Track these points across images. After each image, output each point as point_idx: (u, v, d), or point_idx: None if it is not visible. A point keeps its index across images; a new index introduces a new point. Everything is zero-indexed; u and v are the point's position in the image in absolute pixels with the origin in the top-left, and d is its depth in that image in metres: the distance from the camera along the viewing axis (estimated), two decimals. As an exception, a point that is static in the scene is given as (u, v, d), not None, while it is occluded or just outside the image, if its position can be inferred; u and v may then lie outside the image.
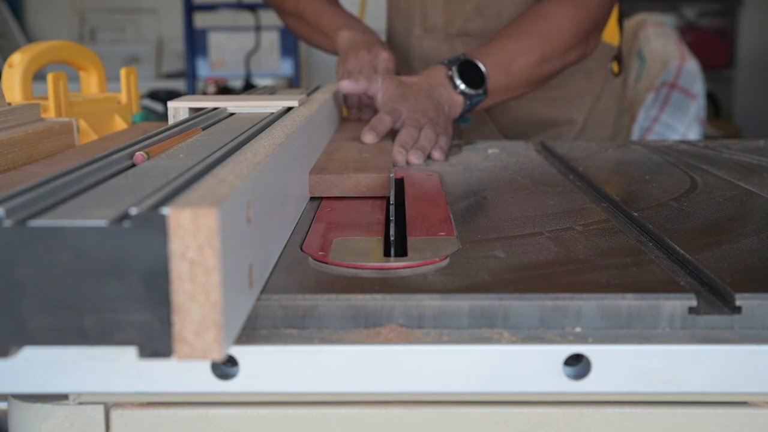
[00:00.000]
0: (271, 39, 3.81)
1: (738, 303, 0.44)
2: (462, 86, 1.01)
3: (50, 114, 0.94)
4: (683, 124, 2.57)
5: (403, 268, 0.50)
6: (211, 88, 3.49)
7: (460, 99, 1.02)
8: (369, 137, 0.88)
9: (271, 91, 0.97)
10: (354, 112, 1.10)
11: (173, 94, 3.31)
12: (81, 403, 0.46)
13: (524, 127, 1.27)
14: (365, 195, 0.69)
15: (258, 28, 3.76)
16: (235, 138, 0.57)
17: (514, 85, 1.08)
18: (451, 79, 1.02)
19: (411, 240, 0.55)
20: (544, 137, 1.23)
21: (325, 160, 0.77)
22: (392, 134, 0.93)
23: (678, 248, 0.54)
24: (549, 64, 1.09)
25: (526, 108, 1.25)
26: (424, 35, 1.29)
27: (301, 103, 0.78)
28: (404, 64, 1.30)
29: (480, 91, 1.03)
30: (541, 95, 1.23)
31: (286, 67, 3.83)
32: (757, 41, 4.33)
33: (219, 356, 0.35)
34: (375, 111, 0.98)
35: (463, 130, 1.21)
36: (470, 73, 1.03)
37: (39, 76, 1.00)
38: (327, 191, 0.69)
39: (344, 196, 0.69)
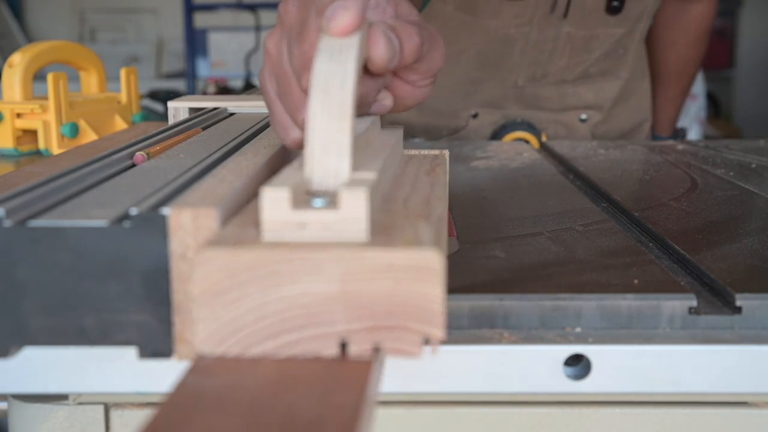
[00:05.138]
0: (271, 39, 3.80)
1: (738, 303, 0.44)
2: None
3: (50, 114, 0.94)
4: (683, 124, 2.57)
5: (403, 268, 0.49)
6: (211, 88, 3.49)
7: None
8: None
9: (271, 91, 0.96)
10: None
11: (173, 94, 3.31)
12: (81, 403, 0.46)
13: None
14: None
15: (258, 28, 3.76)
16: (235, 138, 0.57)
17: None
18: None
19: (411, 240, 0.55)
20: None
21: None
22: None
23: (678, 248, 0.54)
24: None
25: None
26: (528, 84, 1.17)
27: (301, 103, 0.77)
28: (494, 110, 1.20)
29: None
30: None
31: (286, 67, 3.82)
32: (757, 41, 4.33)
33: (219, 356, 0.35)
34: None
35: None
36: None
37: (39, 76, 1.00)
38: None
39: None
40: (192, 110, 0.76)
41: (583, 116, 1.20)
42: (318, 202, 0.34)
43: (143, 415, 0.46)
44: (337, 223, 0.33)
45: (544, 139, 1.17)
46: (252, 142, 0.55)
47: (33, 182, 0.40)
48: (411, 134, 1.23)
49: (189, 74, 3.72)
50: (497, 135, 1.18)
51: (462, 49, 1.15)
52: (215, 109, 0.75)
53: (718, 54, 4.24)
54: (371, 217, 0.34)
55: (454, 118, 1.20)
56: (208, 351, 0.32)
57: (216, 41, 3.82)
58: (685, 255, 0.53)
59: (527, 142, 1.16)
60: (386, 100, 0.47)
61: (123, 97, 1.07)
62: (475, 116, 1.20)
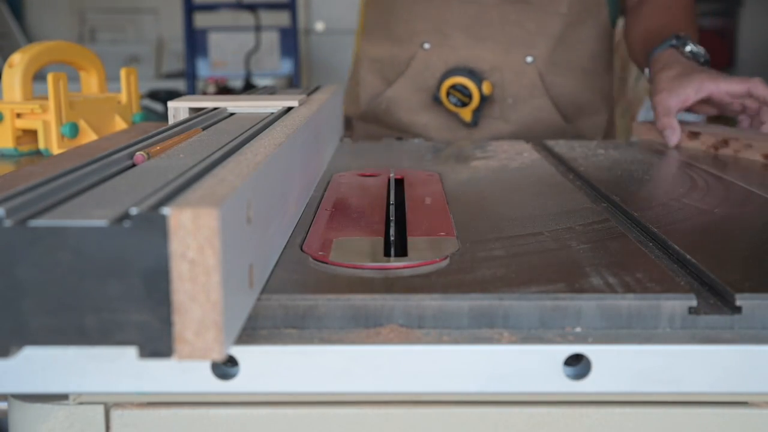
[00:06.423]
0: (271, 39, 3.81)
1: (738, 303, 0.44)
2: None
3: (50, 114, 0.94)
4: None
5: (403, 268, 0.50)
6: (211, 88, 3.49)
7: None
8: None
9: (271, 91, 0.97)
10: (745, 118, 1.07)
11: (173, 94, 3.31)
12: (81, 403, 0.46)
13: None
14: None
15: (258, 28, 3.76)
16: (235, 138, 0.57)
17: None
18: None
19: (411, 240, 0.55)
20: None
21: None
22: None
23: (678, 248, 0.54)
24: None
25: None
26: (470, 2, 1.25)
27: (301, 103, 0.78)
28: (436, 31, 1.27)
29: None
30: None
31: (286, 67, 3.82)
32: (757, 41, 4.33)
33: (219, 356, 0.35)
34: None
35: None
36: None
37: (39, 76, 1.00)
38: None
39: None
40: (192, 110, 0.76)
41: (529, 59, 1.25)
42: None
43: (143, 415, 0.46)
44: None
45: (485, 89, 1.23)
46: (252, 141, 0.55)
47: (33, 182, 0.40)
48: (383, 73, 1.31)
49: (189, 74, 3.72)
50: (442, 79, 1.26)
51: None
52: (215, 109, 0.75)
53: (718, 54, 4.24)
54: None
55: (410, 44, 1.28)
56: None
57: (216, 41, 3.81)
58: (685, 255, 0.53)
59: (466, 88, 1.23)
60: None
61: (123, 97, 1.07)
62: (426, 47, 1.27)
